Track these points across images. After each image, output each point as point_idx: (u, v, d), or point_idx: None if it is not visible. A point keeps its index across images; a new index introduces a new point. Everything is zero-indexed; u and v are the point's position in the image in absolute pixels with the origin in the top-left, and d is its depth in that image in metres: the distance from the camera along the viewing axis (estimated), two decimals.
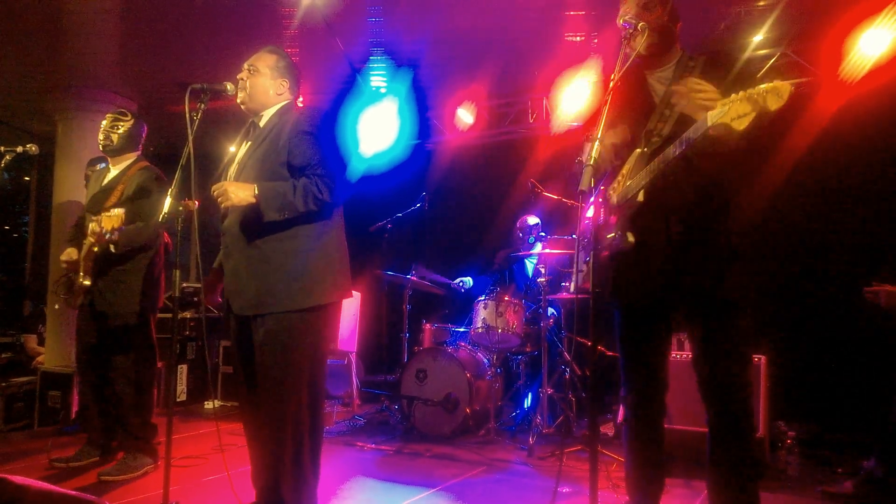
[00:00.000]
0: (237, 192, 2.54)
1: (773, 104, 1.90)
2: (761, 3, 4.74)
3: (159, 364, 5.86)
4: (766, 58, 5.39)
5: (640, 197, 2.29)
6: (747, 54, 5.38)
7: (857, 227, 4.91)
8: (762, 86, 1.91)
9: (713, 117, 2.00)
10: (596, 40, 5.28)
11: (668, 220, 2.30)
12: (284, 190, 2.59)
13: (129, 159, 3.90)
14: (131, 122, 3.89)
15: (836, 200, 5.03)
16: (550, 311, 4.94)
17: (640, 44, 2.35)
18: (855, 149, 4.95)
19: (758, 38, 5.20)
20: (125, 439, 3.72)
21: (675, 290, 2.33)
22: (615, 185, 2.47)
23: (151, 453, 3.74)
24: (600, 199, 2.55)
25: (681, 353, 3.99)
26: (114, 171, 3.88)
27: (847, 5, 4.65)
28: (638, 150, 2.36)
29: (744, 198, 4.77)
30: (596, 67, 5.58)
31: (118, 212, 3.28)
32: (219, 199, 2.57)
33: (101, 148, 3.89)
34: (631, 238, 2.29)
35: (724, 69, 2.32)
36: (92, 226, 3.40)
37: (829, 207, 5.06)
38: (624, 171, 2.41)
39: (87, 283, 3.61)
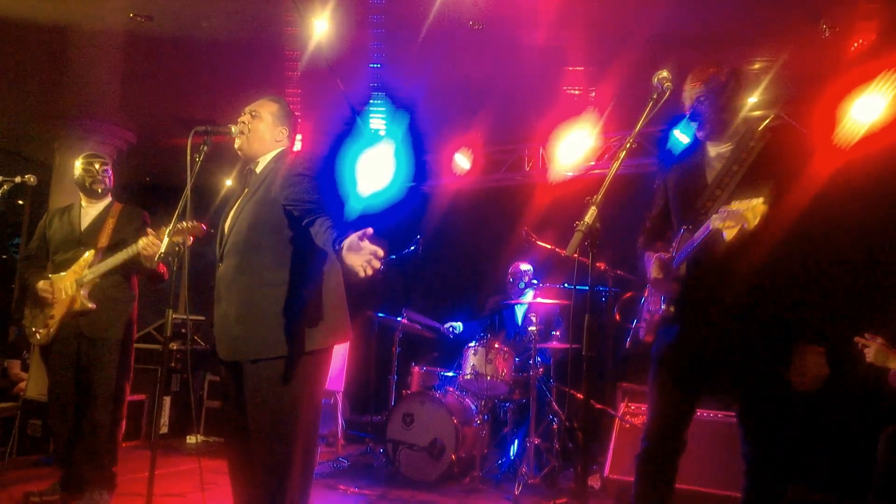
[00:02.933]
0: None
1: (751, 222, 2.07)
2: (756, 66, 4.86)
3: (141, 396, 5.84)
4: (761, 119, 5.49)
5: (682, 270, 2.49)
6: (743, 114, 5.49)
7: (851, 291, 4.94)
8: (744, 203, 2.07)
9: (713, 221, 2.18)
10: (594, 94, 5.38)
11: (707, 297, 2.45)
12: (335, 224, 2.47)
13: (108, 198, 3.97)
14: (112, 167, 4.00)
15: (830, 264, 5.06)
16: (539, 360, 4.92)
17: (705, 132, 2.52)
18: (849, 214, 4.99)
19: (752, 98, 5.32)
20: (93, 472, 3.62)
21: (713, 362, 2.50)
22: (657, 257, 2.60)
23: (112, 486, 3.68)
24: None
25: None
26: (92, 211, 3.91)
27: (840, 72, 4.77)
28: (684, 228, 2.50)
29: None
30: (593, 120, 5.68)
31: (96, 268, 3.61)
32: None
33: (98, 190, 3.91)
34: (670, 308, 2.50)
35: (781, 153, 2.46)
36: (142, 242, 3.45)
37: (822, 270, 5.07)
38: (674, 244, 2.57)
39: (90, 306, 3.67)
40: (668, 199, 2.71)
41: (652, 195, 2.87)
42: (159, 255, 2.73)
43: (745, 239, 2.19)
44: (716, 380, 2.58)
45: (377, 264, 2.25)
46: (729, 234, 2.11)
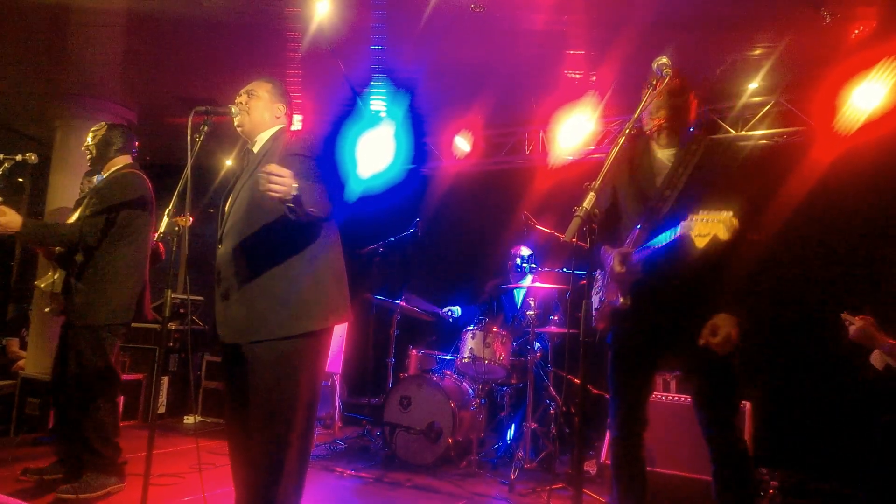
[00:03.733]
0: (289, 185, 2.32)
1: (722, 235, 2.19)
2: (756, 52, 4.83)
3: (139, 376, 5.86)
4: (760, 105, 5.48)
5: (639, 267, 2.60)
6: (742, 101, 5.47)
7: (850, 278, 4.95)
8: (721, 214, 2.19)
9: (682, 228, 2.30)
10: (594, 78, 5.35)
11: (664, 286, 2.60)
12: (322, 189, 2.50)
13: (115, 165, 3.79)
14: (103, 129, 3.84)
15: (829, 251, 5.08)
16: (537, 344, 4.94)
17: (656, 120, 2.66)
18: (849, 201, 4.99)
19: (753, 85, 5.30)
20: (87, 457, 3.56)
21: (664, 344, 2.68)
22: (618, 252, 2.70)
23: (117, 473, 3.60)
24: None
25: (666, 395, 4.01)
26: (96, 178, 3.86)
27: (841, 58, 4.74)
28: (640, 226, 2.63)
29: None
30: (593, 104, 5.66)
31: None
32: (273, 188, 2.32)
33: (89, 164, 3.90)
34: (627, 301, 2.63)
35: (722, 159, 2.65)
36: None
37: (821, 258, 5.10)
38: (627, 241, 2.68)
39: (41, 285, 3.65)
40: (619, 195, 2.85)
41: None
42: (159, 234, 2.72)
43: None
44: (669, 359, 2.82)
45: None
46: (700, 242, 2.24)
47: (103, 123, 3.90)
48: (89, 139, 3.84)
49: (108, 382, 3.61)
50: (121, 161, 3.83)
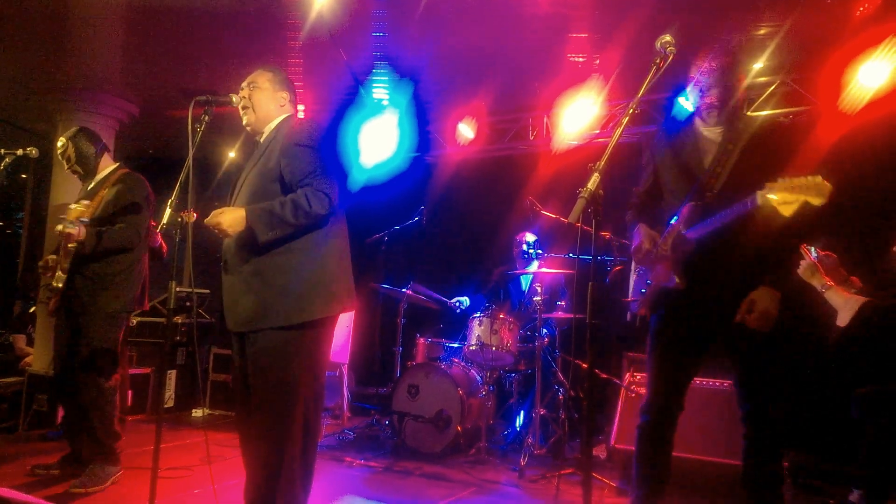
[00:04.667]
0: (230, 223, 2.54)
1: (815, 200, 2.13)
2: (761, 32, 4.77)
3: (147, 370, 5.86)
4: (766, 85, 5.43)
5: (695, 245, 2.56)
6: (747, 81, 5.41)
7: (857, 257, 4.90)
8: (808, 178, 2.14)
9: (761, 197, 2.24)
10: (598, 61, 5.30)
11: (720, 268, 2.54)
12: (271, 208, 2.57)
13: (105, 169, 3.89)
14: (72, 143, 3.85)
15: (835, 230, 5.02)
16: (544, 330, 4.92)
17: (708, 98, 2.60)
18: (854, 179, 4.94)
19: (758, 65, 5.23)
20: (92, 448, 3.62)
21: (719, 326, 2.62)
22: (668, 230, 2.69)
23: (116, 461, 3.66)
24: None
25: None
26: (93, 183, 3.88)
27: (846, 37, 4.69)
28: (692, 203, 2.59)
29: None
30: (597, 88, 5.61)
31: (85, 203, 3.42)
32: (217, 233, 2.56)
33: (72, 174, 3.94)
34: (682, 281, 2.57)
35: (773, 135, 2.59)
36: (58, 227, 3.46)
37: (827, 237, 5.04)
38: (676, 220, 2.64)
39: (58, 284, 3.59)
40: (660, 176, 2.82)
41: (639, 169, 2.98)
42: (161, 225, 2.71)
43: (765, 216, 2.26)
44: (716, 346, 2.70)
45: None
46: (787, 210, 2.18)
47: (63, 139, 3.90)
48: (69, 158, 3.86)
49: (112, 368, 3.69)
50: (107, 163, 3.93)
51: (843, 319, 3.25)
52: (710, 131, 2.68)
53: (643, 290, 2.78)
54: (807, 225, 2.41)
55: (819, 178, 2.13)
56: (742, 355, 2.61)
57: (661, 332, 2.72)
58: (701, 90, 2.62)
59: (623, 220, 2.97)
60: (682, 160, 2.70)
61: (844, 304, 3.24)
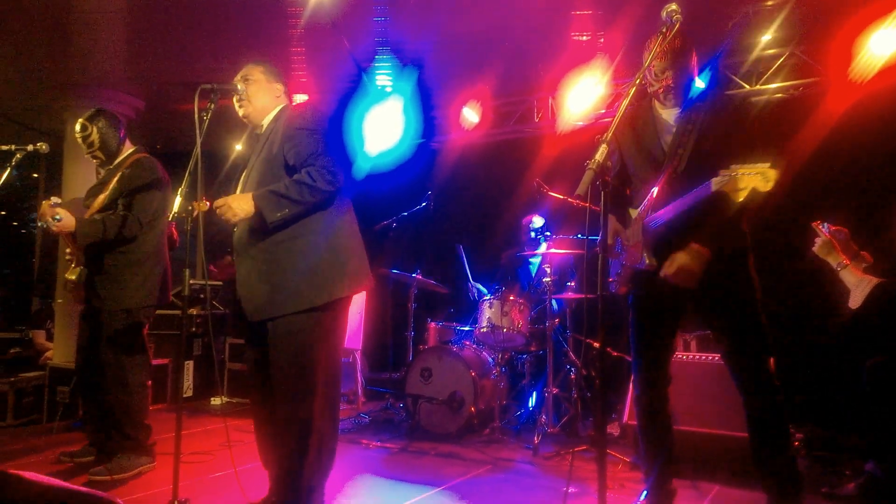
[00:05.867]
0: (238, 207, 2.57)
1: (762, 187, 2.17)
2: (769, 3, 4.73)
3: (165, 360, 5.95)
4: (775, 57, 5.38)
5: (663, 227, 2.60)
6: (756, 54, 5.37)
7: (868, 229, 4.87)
8: (757, 166, 2.18)
9: (716, 184, 2.27)
10: (602, 39, 5.27)
11: (684, 243, 2.56)
12: (278, 189, 2.61)
13: (123, 153, 3.82)
14: (97, 125, 3.76)
15: (845, 200, 5.00)
16: (555, 304, 4.93)
17: (663, 81, 2.62)
18: (864, 149, 4.91)
19: (766, 37, 5.19)
20: (119, 440, 3.62)
21: (686, 303, 2.71)
22: (637, 214, 2.73)
23: (147, 453, 3.67)
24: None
25: (687, 354, 4.00)
26: (111, 166, 3.82)
27: (856, 6, 4.64)
28: (656, 188, 2.63)
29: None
30: (602, 67, 5.58)
31: (54, 198, 3.43)
32: (223, 217, 2.60)
33: (92, 160, 3.88)
34: (654, 261, 2.63)
35: (733, 115, 2.63)
36: (40, 223, 3.48)
37: (837, 208, 5.02)
38: (647, 202, 2.68)
39: (73, 277, 3.60)
40: (626, 159, 2.85)
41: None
42: (172, 215, 2.74)
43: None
44: (692, 317, 2.82)
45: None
46: (739, 196, 2.23)
47: (83, 122, 3.78)
48: (91, 144, 3.76)
49: (140, 364, 3.69)
50: (128, 147, 3.86)
51: (855, 301, 3.24)
52: (667, 113, 2.71)
53: (618, 272, 2.87)
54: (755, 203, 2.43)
55: (765, 166, 2.18)
56: (717, 330, 2.70)
57: (638, 310, 2.81)
58: (655, 73, 2.64)
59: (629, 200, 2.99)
60: (643, 143, 2.75)
61: (857, 284, 3.23)
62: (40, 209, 3.48)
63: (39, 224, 3.47)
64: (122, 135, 3.84)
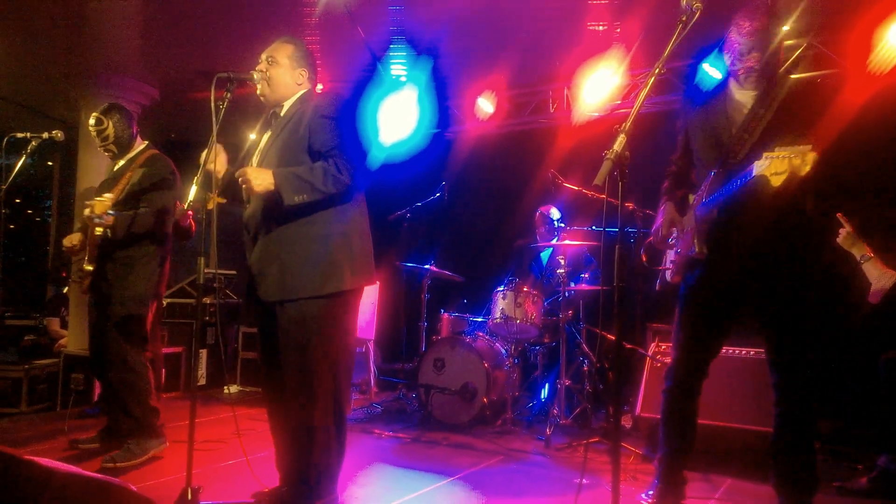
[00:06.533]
0: (259, 179, 2.53)
1: (802, 170, 2.11)
2: None
3: (179, 349, 5.98)
4: (793, 48, 5.30)
5: (715, 214, 2.56)
6: (774, 45, 5.29)
7: (884, 222, 4.81)
8: (798, 148, 2.11)
9: (757, 167, 2.21)
10: (619, 29, 5.22)
11: (740, 233, 2.52)
12: (301, 172, 2.59)
13: (135, 149, 3.91)
14: (112, 118, 3.81)
15: (862, 194, 4.93)
16: (570, 293, 4.91)
17: (747, 61, 2.52)
18: (883, 142, 4.84)
19: (785, 27, 5.10)
20: (129, 423, 3.68)
21: (742, 296, 2.62)
22: (694, 200, 2.69)
23: (157, 435, 3.72)
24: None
25: None
26: (121, 162, 3.90)
27: None
28: (714, 171, 2.56)
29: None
30: (619, 57, 5.53)
31: (107, 196, 3.39)
32: (242, 185, 2.57)
33: (104, 153, 3.92)
34: (703, 249, 2.57)
35: (804, 98, 2.52)
36: (85, 211, 3.49)
37: (854, 202, 4.96)
38: (703, 187, 2.63)
39: (89, 267, 3.63)
40: (691, 140, 2.77)
41: (675, 136, 2.92)
42: (189, 202, 2.74)
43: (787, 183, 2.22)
44: (743, 314, 2.69)
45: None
46: (776, 181, 2.15)
47: (98, 116, 3.82)
48: (106, 137, 3.81)
49: (141, 347, 3.74)
50: (140, 144, 3.95)
51: (875, 295, 3.21)
52: (743, 95, 2.60)
53: (673, 259, 2.80)
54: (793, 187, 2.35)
55: (805, 147, 2.11)
56: (772, 325, 2.59)
57: (688, 300, 2.73)
58: (740, 52, 2.52)
59: (645, 189, 2.96)
60: (711, 125, 2.65)
61: (880, 277, 3.19)
62: (94, 205, 3.48)
63: (88, 214, 3.47)
64: (134, 129, 3.92)
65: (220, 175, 2.77)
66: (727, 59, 2.61)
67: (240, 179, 2.56)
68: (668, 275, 2.85)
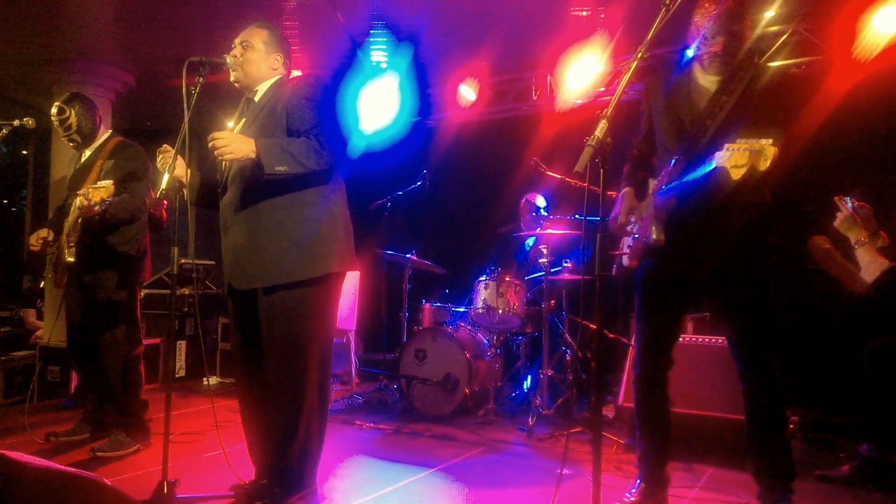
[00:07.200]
0: (238, 145, 2.43)
1: (761, 165, 2.07)
2: None
3: (156, 340, 5.89)
4: (778, 35, 5.28)
5: (674, 202, 2.53)
6: (758, 31, 5.27)
7: (878, 210, 4.82)
8: (760, 142, 2.07)
9: (718, 159, 2.18)
10: (602, 15, 5.17)
11: (697, 222, 2.53)
12: (283, 143, 2.53)
13: (100, 138, 3.86)
14: (74, 108, 3.75)
15: (848, 179, 4.93)
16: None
17: (712, 46, 2.49)
18: (867, 127, 4.84)
19: (769, 14, 5.08)
20: (116, 416, 3.67)
21: (696, 283, 2.64)
22: (653, 186, 2.66)
23: (143, 430, 3.71)
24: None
25: (682, 336, 3.96)
26: (88, 152, 3.84)
27: None
28: (675, 159, 2.53)
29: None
30: (602, 43, 5.48)
31: (106, 183, 3.28)
32: (218, 152, 2.45)
33: (68, 143, 3.86)
34: (661, 237, 2.55)
35: (768, 86, 2.49)
36: (78, 200, 3.40)
37: (840, 187, 4.96)
38: (664, 173, 2.60)
39: (71, 259, 3.57)
40: (654, 124, 2.75)
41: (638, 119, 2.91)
42: (161, 191, 2.67)
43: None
44: (701, 299, 2.76)
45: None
46: (736, 174, 2.12)
47: (60, 105, 3.75)
48: (69, 127, 3.75)
49: (135, 339, 3.74)
50: (104, 133, 3.91)
51: (860, 284, 3.20)
52: (707, 80, 2.58)
53: (630, 244, 2.78)
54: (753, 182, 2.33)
55: (766, 142, 2.07)
56: (730, 314, 2.62)
57: (645, 287, 2.74)
58: (704, 36, 2.50)
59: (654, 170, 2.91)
60: (674, 110, 2.62)
61: (870, 263, 3.17)
62: (96, 193, 3.33)
63: (81, 199, 3.34)
64: (97, 119, 3.86)
65: (184, 179, 2.69)
66: (693, 42, 2.58)
67: (215, 143, 2.44)
68: (624, 259, 2.83)
